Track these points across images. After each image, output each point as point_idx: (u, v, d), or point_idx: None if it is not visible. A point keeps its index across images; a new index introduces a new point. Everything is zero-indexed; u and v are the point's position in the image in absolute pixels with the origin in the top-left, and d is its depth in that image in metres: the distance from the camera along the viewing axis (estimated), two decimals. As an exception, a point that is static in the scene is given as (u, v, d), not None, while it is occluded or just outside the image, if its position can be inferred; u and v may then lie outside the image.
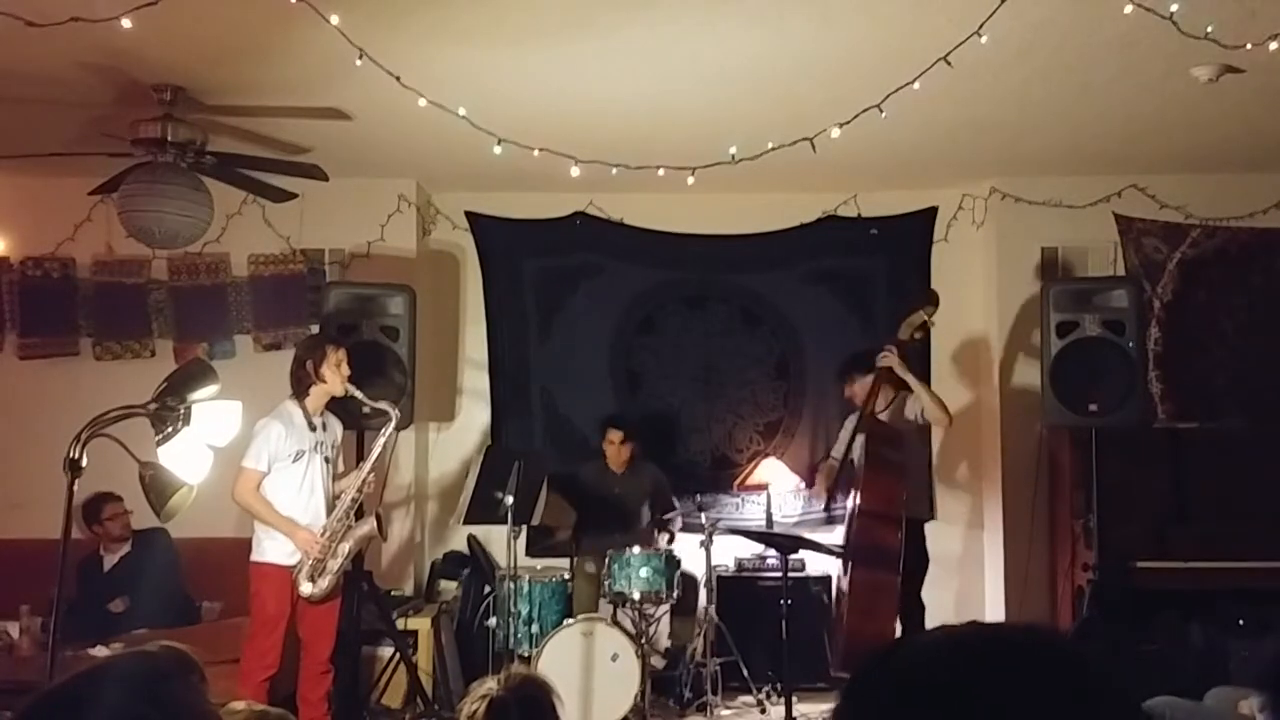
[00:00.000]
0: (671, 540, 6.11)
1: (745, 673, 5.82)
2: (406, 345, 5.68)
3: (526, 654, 5.46)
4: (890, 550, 5.37)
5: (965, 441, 6.62)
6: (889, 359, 5.51)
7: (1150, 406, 6.04)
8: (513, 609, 5.40)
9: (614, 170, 5.13)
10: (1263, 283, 6.34)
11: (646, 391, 6.83)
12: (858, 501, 5.47)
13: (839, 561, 5.80)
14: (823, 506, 6.25)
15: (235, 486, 4.68)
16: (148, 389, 3.33)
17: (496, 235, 6.84)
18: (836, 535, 5.99)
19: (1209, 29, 3.96)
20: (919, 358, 6.30)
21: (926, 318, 5.62)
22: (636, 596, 5.51)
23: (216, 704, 1.53)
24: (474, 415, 6.85)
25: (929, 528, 5.90)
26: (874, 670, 0.99)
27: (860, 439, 5.54)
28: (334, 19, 3.84)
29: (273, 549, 4.76)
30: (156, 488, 3.21)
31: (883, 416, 5.63)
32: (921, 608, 5.61)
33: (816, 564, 6.32)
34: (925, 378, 6.49)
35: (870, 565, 5.38)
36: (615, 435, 6.20)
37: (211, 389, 3.31)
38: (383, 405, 4.92)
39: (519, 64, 4.54)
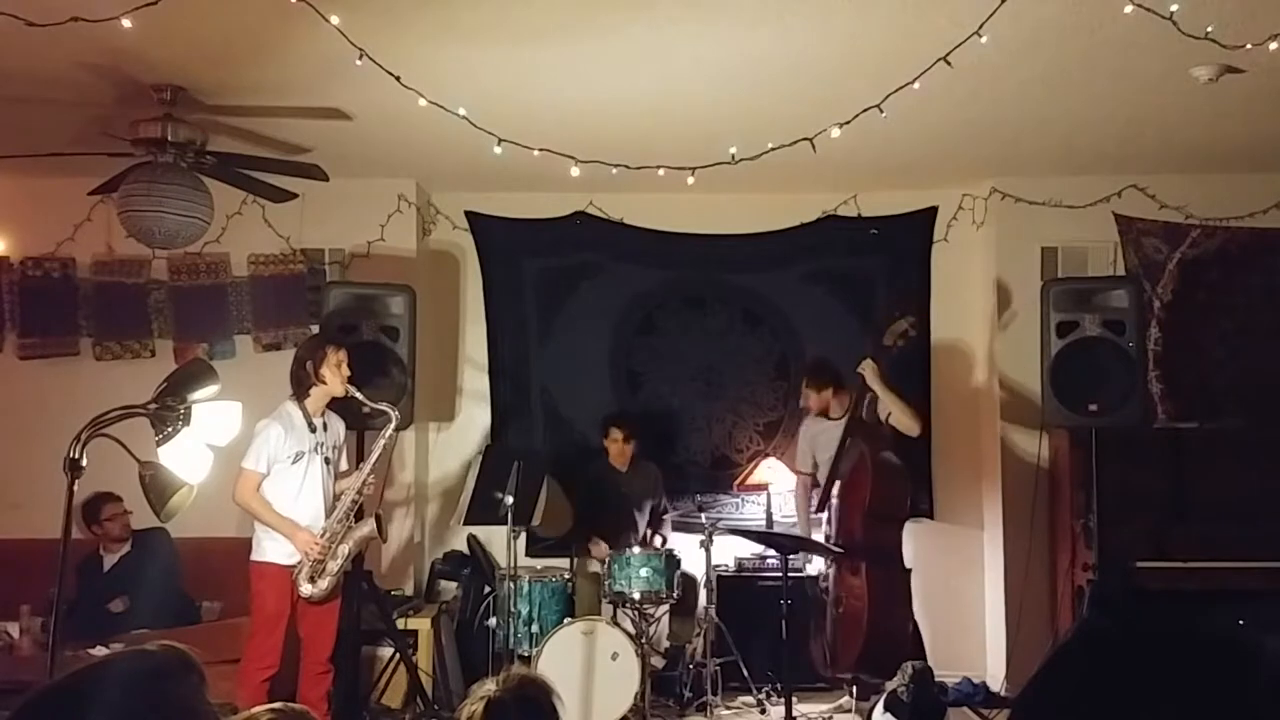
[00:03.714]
0: (665, 542, 6.13)
1: (745, 673, 5.82)
2: (406, 345, 5.68)
3: (526, 654, 5.46)
4: (895, 548, 5.58)
5: (965, 441, 6.62)
6: (865, 372, 5.72)
7: (1150, 406, 6.03)
8: (513, 609, 5.40)
9: (614, 170, 5.13)
10: (1263, 283, 6.33)
11: (646, 391, 6.83)
12: (867, 503, 5.52)
13: (823, 562, 5.87)
14: (816, 509, 6.30)
15: (235, 488, 4.69)
16: (148, 389, 3.33)
17: (496, 235, 6.84)
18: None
19: (1209, 29, 3.96)
20: (907, 363, 6.36)
21: (908, 326, 5.86)
22: (636, 596, 5.51)
23: (218, 705, 1.53)
24: (474, 415, 6.84)
25: (916, 527, 6.09)
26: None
27: (852, 442, 5.70)
28: (334, 19, 3.84)
29: (273, 549, 4.76)
30: (156, 488, 3.21)
31: (863, 415, 5.80)
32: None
33: (817, 564, 6.32)
34: (923, 382, 6.56)
35: (884, 566, 5.46)
36: (618, 434, 6.22)
37: (211, 389, 3.32)
38: (383, 407, 4.92)
39: (519, 64, 4.54)
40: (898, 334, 5.86)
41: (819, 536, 5.83)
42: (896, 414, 5.70)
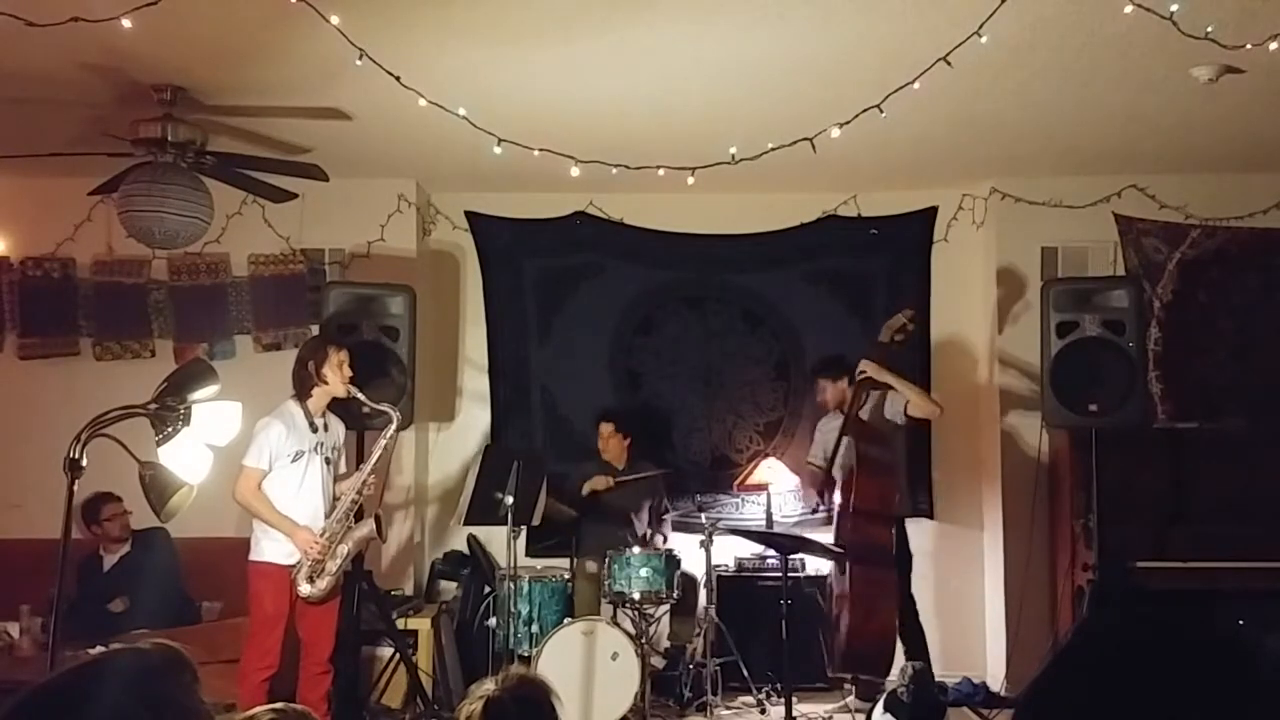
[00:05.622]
0: (665, 540, 6.13)
1: (745, 673, 5.82)
2: (406, 345, 5.68)
3: (526, 654, 5.46)
4: (885, 548, 5.52)
5: (965, 441, 6.62)
6: (868, 369, 5.67)
7: (1150, 406, 6.03)
8: (513, 609, 5.40)
9: (614, 170, 5.13)
10: (1263, 283, 6.34)
11: (646, 391, 6.83)
12: (853, 502, 5.51)
13: (830, 562, 5.84)
14: (811, 510, 6.31)
15: (236, 486, 4.68)
16: (148, 389, 3.33)
17: (496, 235, 6.84)
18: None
19: (1209, 29, 3.96)
20: (907, 358, 6.33)
21: (906, 320, 5.80)
22: (636, 596, 5.51)
23: (216, 704, 1.53)
24: (474, 415, 6.84)
25: (912, 525, 6.05)
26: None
27: (847, 442, 5.65)
28: (334, 19, 3.84)
29: (271, 549, 4.76)
30: (156, 488, 3.21)
31: (863, 415, 5.74)
32: (913, 603, 5.70)
33: (816, 564, 6.32)
34: (916, 375, 6.54)
35: (869, 564, 5.44)
36: (606, 428, 6.22)
37: (211, 389, 3.32)
38: (384, 408, 4.92)
39: (519, 64, 4.54)
40: (894, 329, 5.77)
41: (829, 535, 5.80)
42: (914, 401, 5.65)
